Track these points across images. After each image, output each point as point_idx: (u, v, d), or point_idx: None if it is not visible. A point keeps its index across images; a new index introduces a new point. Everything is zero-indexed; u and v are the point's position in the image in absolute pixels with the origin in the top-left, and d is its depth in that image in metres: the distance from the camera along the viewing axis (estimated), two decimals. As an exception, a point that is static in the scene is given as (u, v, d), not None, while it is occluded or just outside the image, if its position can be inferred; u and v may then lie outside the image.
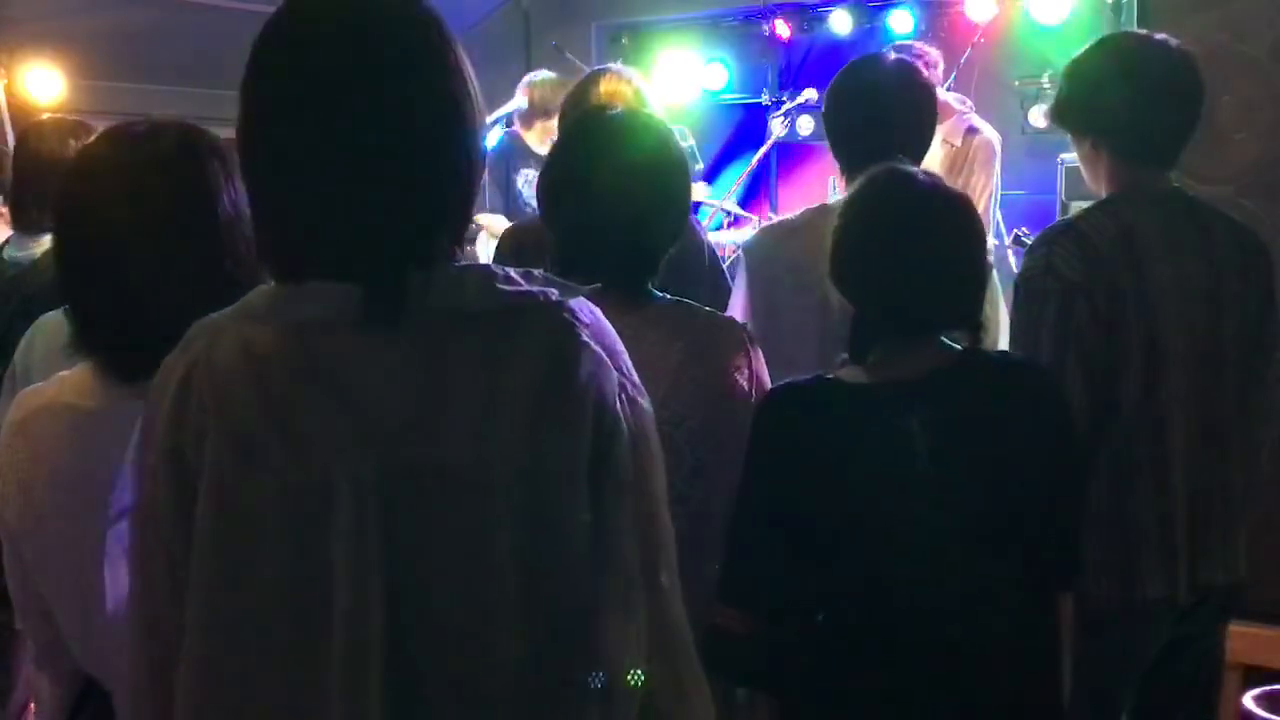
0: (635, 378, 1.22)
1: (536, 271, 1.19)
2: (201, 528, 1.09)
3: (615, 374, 1.19)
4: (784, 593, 1.69)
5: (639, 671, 1.19)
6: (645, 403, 1.23)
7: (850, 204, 1.82)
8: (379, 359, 1.11)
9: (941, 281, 1.73)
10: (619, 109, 2.08)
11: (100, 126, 1.63)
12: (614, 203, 1.76)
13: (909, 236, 1.73)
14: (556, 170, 1.85)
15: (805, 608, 1.69)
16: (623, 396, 1.19)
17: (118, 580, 1.29)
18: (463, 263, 1.19)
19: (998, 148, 4.43)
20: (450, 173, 1.16)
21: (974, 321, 1.76)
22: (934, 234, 1.73)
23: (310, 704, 1.08)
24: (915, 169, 1.84)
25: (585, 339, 1.17)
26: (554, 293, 1.17)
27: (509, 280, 1.16)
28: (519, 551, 1.11)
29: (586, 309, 1.20)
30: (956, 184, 2.78)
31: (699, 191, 6.47)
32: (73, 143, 2.83)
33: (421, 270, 1.13)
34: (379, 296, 1.10)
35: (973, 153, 4.32)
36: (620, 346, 1.22)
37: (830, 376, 1.75)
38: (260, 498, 1.09)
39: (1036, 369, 1.81)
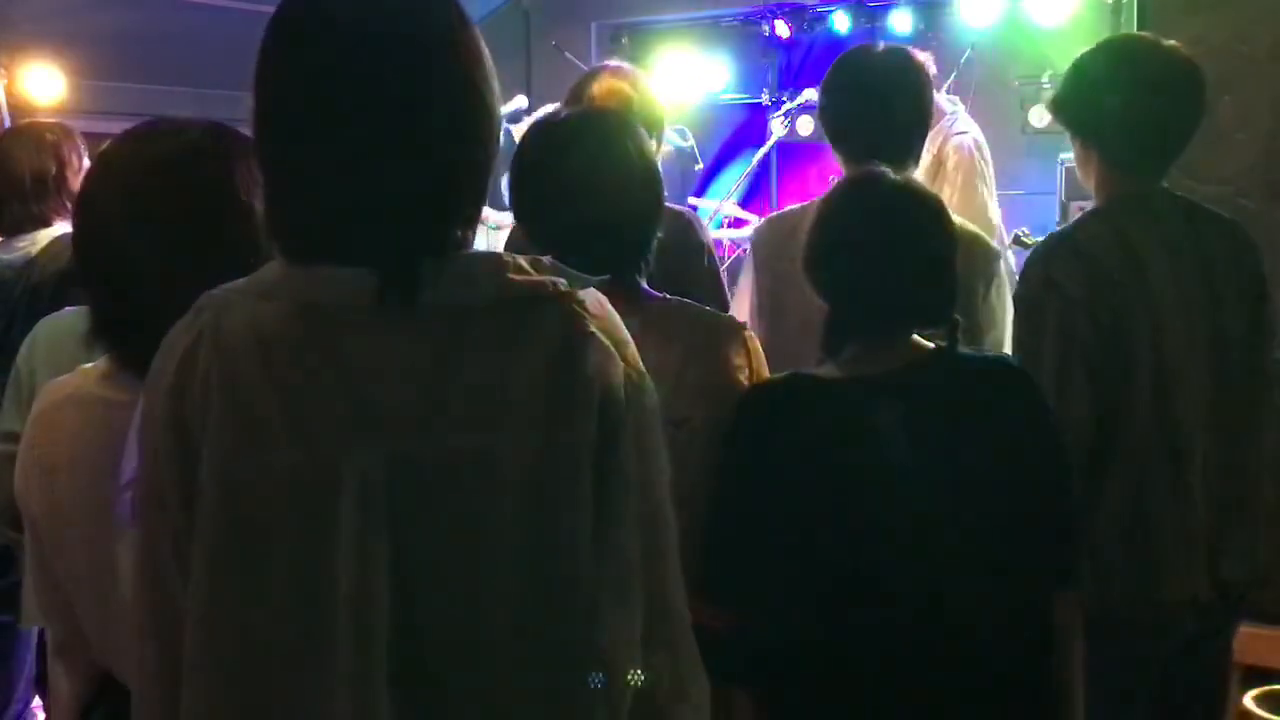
0: (642, 368, 1.21)
1: (546, 260, 1.18)
2: (204, 503, 1.08)
3: (622, 365, 1.18)
4: (764, 589, 1.69)
5: (639, 663, 1.19)
6: (652, 395, 1.22)
7: (822, 204, 1.85)
8: (389, 346, 1.11)
9: (910, 280, 1.75)
10: (569, 113, 2.02)
11: (98, 127, 1.63)
12: (581, 204, 1.72)
13: (876, 235, 1.76)
14: (519, 185, 1.80)
15: (786, 604, 1.69)
16: (628, 389, 1.18)
17: (126, 556, 1.28)
18: (473, 250, 1.18)
19: (978, 154, 4.02)
20: (467, 160, 1.16)
21: (947, 320, 1.77)
22: (901, 233, 1.75)
23: (315, 692, 1.08)
24: (886, 170, 1.84)
25: (593, 330, 1.16)
26: (563, 283, 1.16)
27: (519, 269, 1.15)
28: (522, 543, 1.11)
29: (594, 299, 1.19)
30: (935, 190, 2.71)
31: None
32: (49, 138, 2.84)
33: (435, 257, 1.12)
34: (393, 283, 1.10)
35: (947, 161, 3.99)
36: (628, 337, 1.21)
37: (804, 373, 1.77)
38: (264, 481, 1.08)
39: (1010, 366, 1.82)
